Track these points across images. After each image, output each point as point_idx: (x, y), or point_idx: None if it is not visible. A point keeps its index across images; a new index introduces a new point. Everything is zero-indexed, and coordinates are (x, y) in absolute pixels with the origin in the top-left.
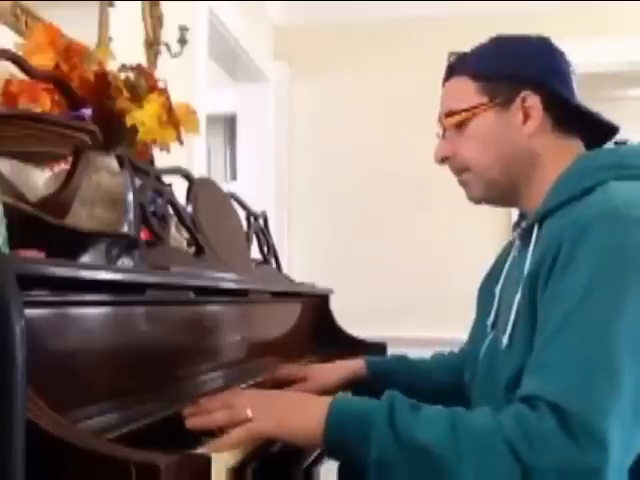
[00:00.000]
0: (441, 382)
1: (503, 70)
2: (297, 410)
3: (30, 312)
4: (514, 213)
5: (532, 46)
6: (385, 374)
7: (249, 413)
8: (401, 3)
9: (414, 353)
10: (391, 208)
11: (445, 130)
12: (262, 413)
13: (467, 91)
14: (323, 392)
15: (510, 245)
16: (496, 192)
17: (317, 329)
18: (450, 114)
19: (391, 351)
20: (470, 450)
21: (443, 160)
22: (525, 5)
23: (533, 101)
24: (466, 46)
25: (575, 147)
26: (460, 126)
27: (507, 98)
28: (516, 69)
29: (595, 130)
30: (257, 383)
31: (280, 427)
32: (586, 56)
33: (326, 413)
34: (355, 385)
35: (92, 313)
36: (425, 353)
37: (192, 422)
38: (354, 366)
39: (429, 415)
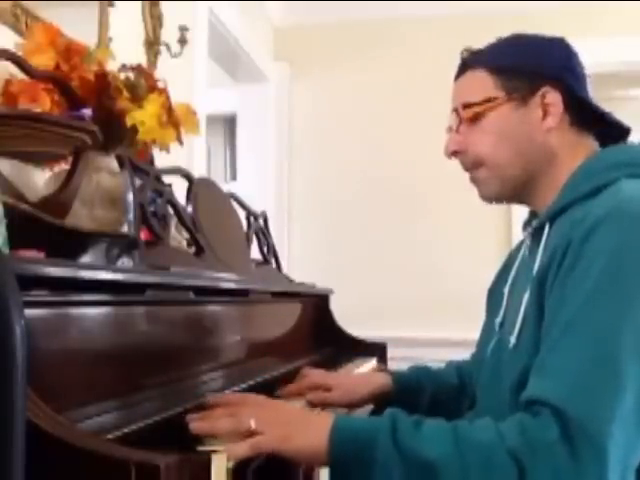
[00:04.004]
0: (455, 385)
1: (524, 65)
2: (301, 427)
3: (30, 312)
4: (514, 213)
5: (551, 45)
6: (411, 388)
7: (253, 424)
8: (401, 3)
9: (414, 353)
10: (391, 208)
11: (460, 123)
12: (266, 427)
13: (485, 84)
14: (348, 405)
15: (521, 245)
16: (510, 189)
17: (317, 329)
18: (467, 106)
19: (391, 351)
20: (475, 464)
21: (454, 154)
22: (525, 5)
23: (554, 98)
24: (466, 46)
25: (589, 145)
26: (475, 120)
27: (526, 93)
28: (537, 65)
29: (607, 130)
30: (277, 384)
31: (283, 444)
32: (586, 56)
33: (329, 432)
34: (380, 400)
35: (92, 313)
36: (425, 353)
37: (194, 426)
38: (381, 381)
39: (432, 430)
